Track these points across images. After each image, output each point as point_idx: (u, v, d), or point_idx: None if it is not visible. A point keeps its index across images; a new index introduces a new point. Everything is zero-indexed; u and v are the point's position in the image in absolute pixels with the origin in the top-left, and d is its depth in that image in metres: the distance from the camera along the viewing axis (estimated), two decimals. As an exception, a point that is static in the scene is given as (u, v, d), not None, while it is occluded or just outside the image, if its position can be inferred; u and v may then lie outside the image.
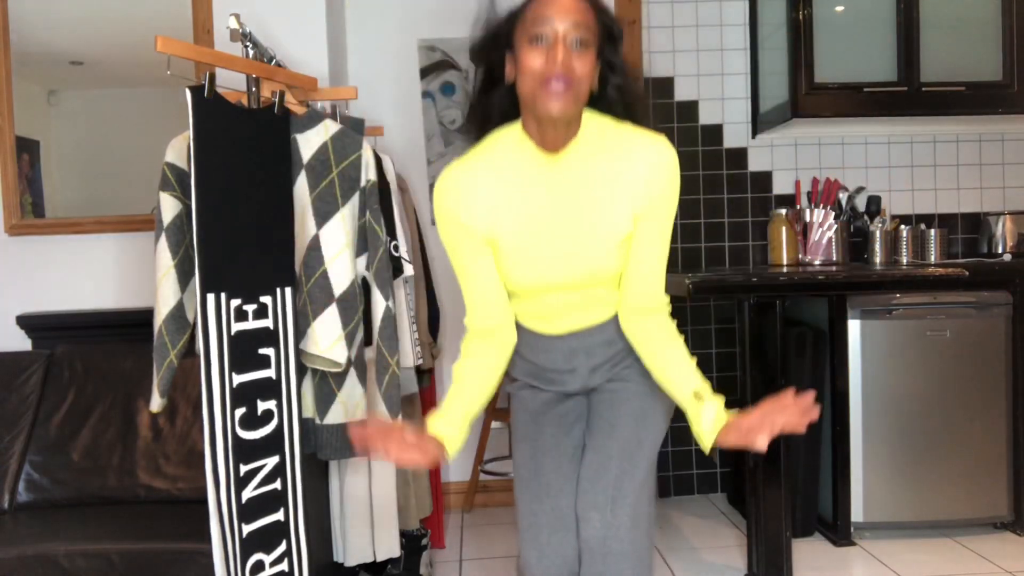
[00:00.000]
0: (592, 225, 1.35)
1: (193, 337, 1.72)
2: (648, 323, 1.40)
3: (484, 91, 1.37)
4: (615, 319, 1.44)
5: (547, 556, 1.39)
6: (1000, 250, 3.15)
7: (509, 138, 1.36)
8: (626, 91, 1.36)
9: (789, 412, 1.27)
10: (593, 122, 1.34)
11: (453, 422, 1.37)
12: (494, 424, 3.18)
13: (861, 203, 3.24)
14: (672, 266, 3.26)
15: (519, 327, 1.48)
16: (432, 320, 2.61)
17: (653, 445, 1.47)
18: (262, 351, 1.70)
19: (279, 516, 1.72)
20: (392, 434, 1.27)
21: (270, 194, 1.73)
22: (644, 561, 1.38)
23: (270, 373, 1.71)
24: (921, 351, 2.70)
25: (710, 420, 1.35)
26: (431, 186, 3.20)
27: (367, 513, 2.13)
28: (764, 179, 3.28)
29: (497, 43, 1.32)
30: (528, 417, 1.52)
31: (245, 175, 1.68)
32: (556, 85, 1.21)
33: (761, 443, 1.28)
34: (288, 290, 1.76)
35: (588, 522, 1.37)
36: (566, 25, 1.22)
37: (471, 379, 1.42)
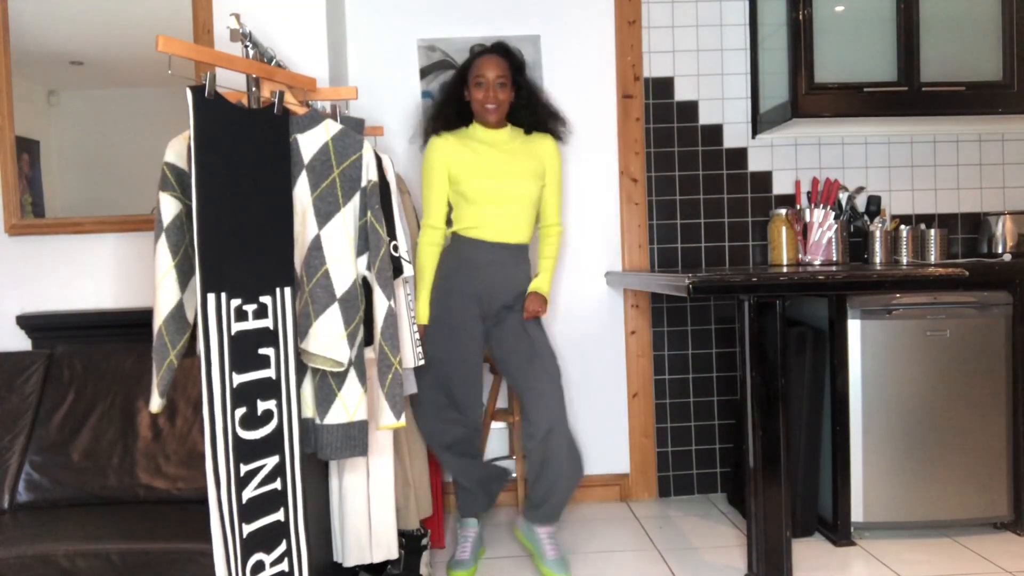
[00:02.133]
0: (515, 168, 2.48)
1: (193, 337, 1.72)
2: (545, 237, 2.59)
3: (447, 103, 2.55)
4: (521, 248, 2.53)
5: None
6: (1000, 250, 3.15)
7: (470, 128, 2.55)
8: (531, 96, 2.55)
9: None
10: (511, 127, 2.57)
11: (427, 304, 2.48)
12: (494, 424, 3.18)
13: (861, 203, 3.25)
14: (672, 266, 3.27)
15: (463, 245, 2.49)
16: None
17: (550, 351, 2.51)
18: (262, 351, 1.70)
19: (279, 516, 1.72)
20: None
21: (270, 194, 1.74)
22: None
23: (270, 373, 1.71)
24: (921, 351, 2.70)
25: (535, 282, 2.56)
26: (431, 186, 3.23)
27: (366, 513, 2.13)
28: (764, 179, 3.28)
29: (461, 80, 2.54)
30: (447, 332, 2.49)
31: (245, 175, 1.68)
32: (490, 107, 2.46)
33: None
34: (288, 290, 1.76)
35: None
36: (492, 76, 2.45)
37: (431, 263, 2.49)
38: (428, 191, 2.49)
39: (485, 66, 2.44)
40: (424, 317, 2.46)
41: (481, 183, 2.45)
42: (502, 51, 2.50)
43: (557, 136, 2.59)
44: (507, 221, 2.47)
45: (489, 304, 2.49)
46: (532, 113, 2.53)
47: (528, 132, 2.56)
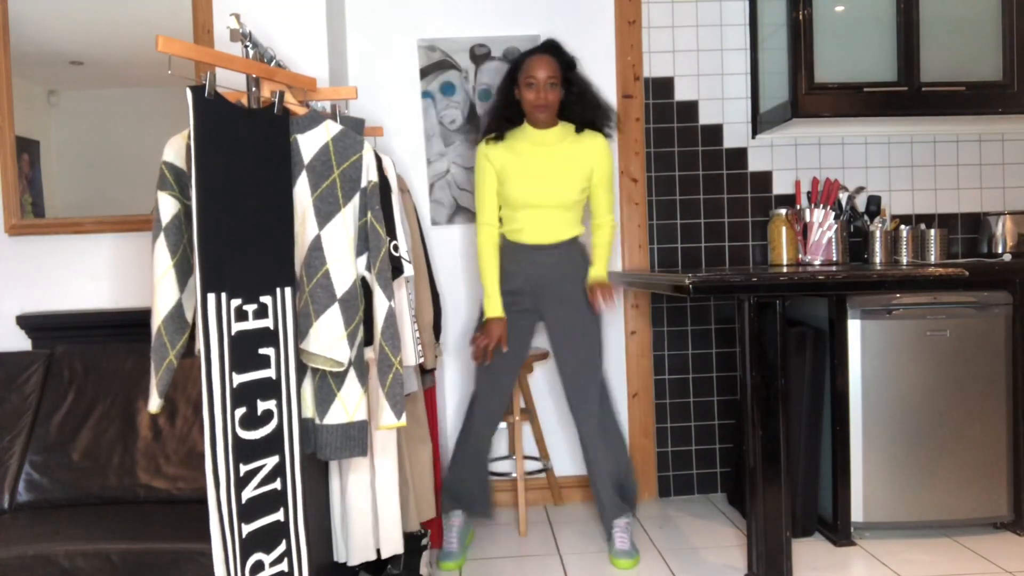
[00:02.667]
0: (559, 172, 2.57)
1: (192, 337, 1.72)
2: (598, 231, 2.65)
3: (500, 106, 2.63)
4: (564, 245, 2.61)
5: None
6: (1000, 250, 3.15)
7: (521, 129, 2.63)
8: (583, 93, 2.59)
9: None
10: (561, 125, 2.62)
11: (499, 298, 2.60)
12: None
13: (861, 203, 3.24)
14: (672, 266, 3.27)
15: (507, 249, 2.63)
16: (435, 320, 2.61)
17: (601, 345, 2.68)
18: (262, 351, 1.70)
19: (279, 516, 1.72)
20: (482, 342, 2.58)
21: (270, 194, 1.74)
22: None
23: (270, 373, 1.71)
24: (921, 351, 2.70)
25: (594, 269, 2.63)
26: (431, 186, 3.21)
27: (370, 512, 2.13)
28: (764, 179, 3.28)
29: (511, 80, 2.59)
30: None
31: (245, 175, 1.68)
32: (541, 108, 2.52)
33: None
34: (288, 290, 1.76)
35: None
36: (543, 76, 2.49)
37: (494, 260, 2.60)
38: (480, 193, 2.62)
39: (536, 66, 2.48)
40: (497, 310, 2.58)
41: (521, 187, 2.54)
42: (552, 50, 2.54)
43: (604, 133, 2.63)
44: (547, 224, 2.57)
45: (540, 298, 2.62)
46: (583, 110, 2.58)
47: (579, 130, 2.61)
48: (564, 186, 2.55)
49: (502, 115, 2.60)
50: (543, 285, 2.61)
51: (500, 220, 2.64)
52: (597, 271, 2.62)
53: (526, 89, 2.50)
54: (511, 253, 2.63)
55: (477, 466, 2.75)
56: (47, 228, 2.70)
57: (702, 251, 3.28)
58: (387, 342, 1.85)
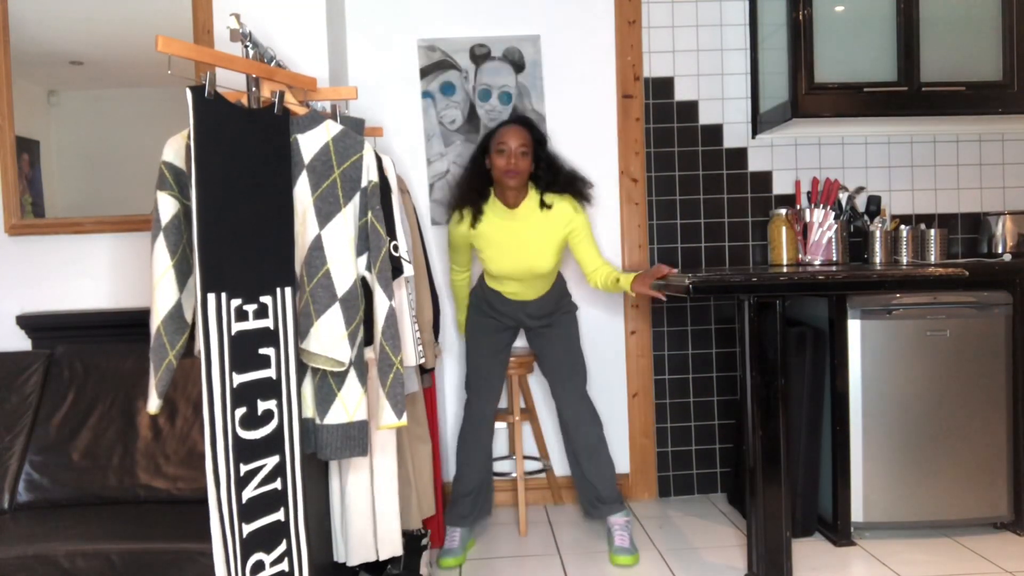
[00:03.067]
0: (532, 247, 2.61)
1: (191, 337, 1.72)
2: (597, 274, 2.63)
3: (471, 176, 2.65)
4: (544, 297, 2.73)
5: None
6: (1000, 250, 3.15)
7: (488, 203, 2.64)
8: (551, 164, 2.62)
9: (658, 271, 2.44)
10: (534, 192, 2.62)
11: (463, 319, 2.94)
12: (497, 424, 3.17)
13: (861, 203, 3.24)
14: (672, 266, 3.26)
15: (489, 291, 2.76)
16: (434, 320, 2.61)
17: (582, 361, 2.80)
18: (262, 351, 1.70)
19: (279, 516, 1.72)
20: None
21: (270, 194, 1.74)
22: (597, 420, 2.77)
23: (270, 373, 1.71)
24: (921, 351, 2.70)
25: (626, 278, 2.53)
26: (431, 186, 3.21)
27: (369, 512, 2.13)
28: (764, 179, 3.28)
29: (483, 150, 2.63)
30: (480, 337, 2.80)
31: (245, 175, 1.68)
32: (511, 174, 2.52)
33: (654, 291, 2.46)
34: (288, 290, 1.76)
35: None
36: (515, 144, 2.52)
37: (463, 292, 2.90)
38: (453, 252, 2.79)
39: (508, 135, 2.54)
40: (463, 328, 2.94)
41: (497, 262, 2.64)
42: (524, 122, 2.62)
43: (584, 196, 2.64)
44: (526, 287, 2.70)
45: (524, 322, 2.79)
46: (554, 175, 2.60)
47: (545, 200, 2.59)
48: (539, 259, 2.61)
49: (472, 186, 2.61)
50: (524, 318, 2.78)
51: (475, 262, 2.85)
52: (627, 281, 2.49)
53: (497, 156, 2.53)
54: (494, 296, 2.76)
55: (483, 472, 2.81)
56: (47, 228, 2.70)
57: (702, 251, 3.28)
58: (387, 342, 1.85)
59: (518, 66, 3.20)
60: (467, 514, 2.76)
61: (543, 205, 2.59)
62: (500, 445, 3.25)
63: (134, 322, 2.56)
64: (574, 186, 2.62)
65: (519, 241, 2.60)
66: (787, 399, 2.31)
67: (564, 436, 2.82)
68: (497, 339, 2.79)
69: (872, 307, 2.69)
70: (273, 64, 1.90)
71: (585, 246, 2.63)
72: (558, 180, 2.60)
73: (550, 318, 2.77)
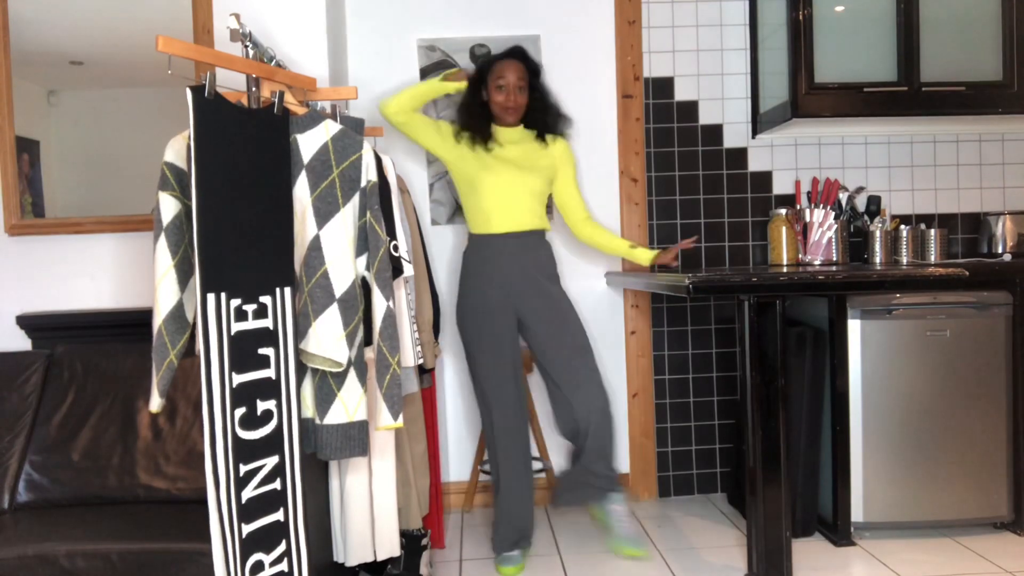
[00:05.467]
0: (525, 164, 2.59)
1: (192, 337, 1.72)
2: (585, 225, 2.72)
3: (472, 101, 2.61)
4: (536, 244, 2.61)
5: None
6: (1000, 250, 3.15)
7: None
8: (544, 99, 2.63)
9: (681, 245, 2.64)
10: (523, 128, 2.66)
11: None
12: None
13: (861, 203, 3.24)
14: (674, 260, 3.25)
15: (482, 244, 2.60)
16: (434, 320, 2.61)
17: (581, 325, 2.62)
18: (262, 351, 1.70)
19: (279, 516, 1.72)
20: None
21: (270, 194, 1.74)
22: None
23: (270, 373, 1.71)
24: (921, 351, 2.70)
25: (647, 251, 2.66)
26: (431, 186, 3.21)
27: (368, 512, 2.13)
28: (764, 179, 3.28)
29: (480, 80, 2.60)
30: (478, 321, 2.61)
31: (245, 175, 1.68)
32: (511, 110, 2.57)
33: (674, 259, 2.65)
34: (288, 290, 1.76)
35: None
36: (513, 80, 2.54)
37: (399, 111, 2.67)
38: (413, 127, 2.64)
39: (506, 70, 2.53)
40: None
41: (490, 177, 2.55)
42: (521, 56, 2.58)
43: (563, 135, 2.69)
44: (515, 207, 2.56)
45: (516, 297, 2.57)
46: (545, 116, 2.63)
47: (540, 136, 2.64)
48: (531, 174, 2.57)
49: (472, 112, 2.60)
50: (517, 289, 2.56)
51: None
52: (645, 256, 2.65)
53: (496, 92, 2.55)
54: (481, 251, 2.59)
55: (525, 498, 2.63)
56: (47, 228, 2.70)
57: (702, 251, 3.28)
58: (385, 342, 1.85)
59: (518, 66, 3.19)
60: (518, 540, 2.62)
61: (540, 136, 2.64)
62: (500, 445, 3.25)
63: (134, 322, 2.57)
64: (558, 127, 2.66)
65: (514, 156, 2.59)
66: (787, 399, 2.31)
67: (557, 403, 2.58)
68: (495, 323, 2.55)
69: (872, 307, 2.69)
70: (273, 64, 1.90)
71: (573, 189, 2.68)
72: (549, 121, 2.63)
73: (544, 278, 2.57)
